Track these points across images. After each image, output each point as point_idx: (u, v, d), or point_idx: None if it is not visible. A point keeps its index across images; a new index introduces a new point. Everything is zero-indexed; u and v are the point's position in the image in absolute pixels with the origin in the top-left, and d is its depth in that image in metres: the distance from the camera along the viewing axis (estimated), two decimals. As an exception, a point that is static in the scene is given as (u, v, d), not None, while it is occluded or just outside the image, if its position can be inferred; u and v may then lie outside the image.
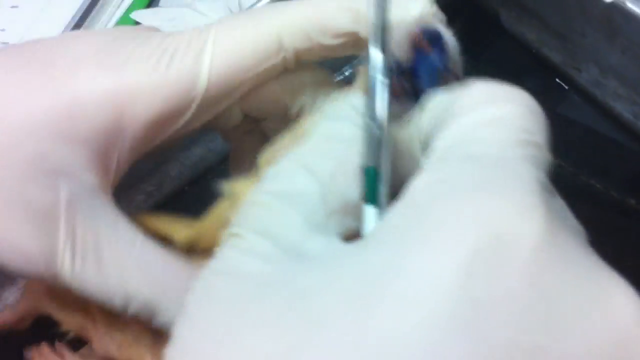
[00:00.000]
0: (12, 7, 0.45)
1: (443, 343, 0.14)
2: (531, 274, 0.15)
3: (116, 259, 0.24)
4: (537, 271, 0.15)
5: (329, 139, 0.22)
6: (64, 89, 0.24)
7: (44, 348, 0.33)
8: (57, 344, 0.33)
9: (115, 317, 0.30)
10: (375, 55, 0.21)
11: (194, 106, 0.25)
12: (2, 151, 0.23)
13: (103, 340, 0.31)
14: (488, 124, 0.18)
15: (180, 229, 0.27)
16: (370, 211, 0.20)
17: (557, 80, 0.42)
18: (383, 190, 0.20)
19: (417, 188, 0.17)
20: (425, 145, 0.21)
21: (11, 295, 0.41)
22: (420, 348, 0.14)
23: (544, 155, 0.18)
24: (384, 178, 0.20)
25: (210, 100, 0.25)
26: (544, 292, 0.14)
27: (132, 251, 0.24)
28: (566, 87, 0.42)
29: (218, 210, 0.26)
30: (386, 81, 0.21)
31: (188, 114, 0.25)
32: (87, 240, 0.23)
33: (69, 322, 0.32)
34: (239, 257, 0.18)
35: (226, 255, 0.19)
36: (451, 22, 0.25)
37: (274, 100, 0.28)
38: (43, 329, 0.33)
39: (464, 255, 0.14)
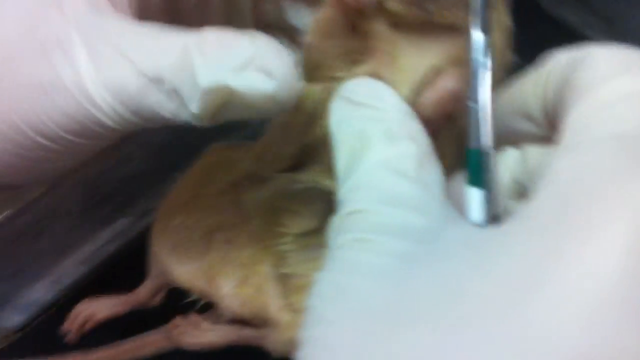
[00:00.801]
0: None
1: (613, 326, 0.13)
2: None
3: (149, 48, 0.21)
4: None
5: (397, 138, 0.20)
6: None
7: (178, 320, 0.34)
8: (190, 314, 0.34)
9: (234, 269, 0.31)
10: (477, 36, 0.21)
11: None
12: None
13: (226, 300, 0.31)
14: (626, 98, 0.17)
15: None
16: (476, 194, 0.20)
17: (601, 63, 0.42)
18: (490, 172, 0.20)
19: (561, 172, 0.17)
20: (550, 112, 0.20)
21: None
22: (590, 335, 0.13)
23: None
24: (491, 160, 0.20)
25: None
26: None
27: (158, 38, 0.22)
28: (611, 70, 0.41)
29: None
30: (488, 62, 0.20)
31: None
32: (109, 49, 0.21)
33: (194, 289, 0.32)
34: (368, 256, 0.17)
35: (350, 256, 0.18)
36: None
37: None
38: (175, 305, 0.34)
39: (625, 240, 0.14)
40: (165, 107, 0.22)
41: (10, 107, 0.22)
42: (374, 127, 0.21)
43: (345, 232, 0.18)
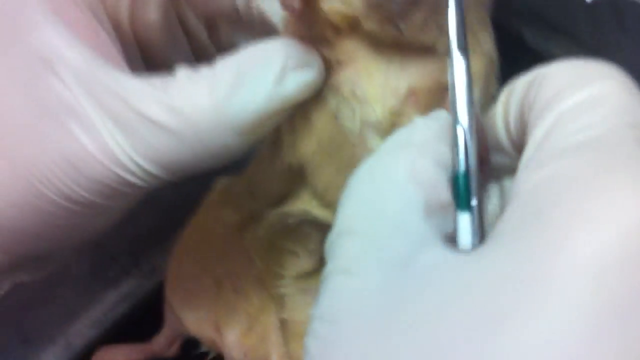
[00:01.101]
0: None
1: (593, 343, 0.13)
2: None
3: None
4: None
5: (396, 148, 0.21)
6: None
7: None
8: None
9: (241, 318, 0.31)
10: (458, 58, 0.21)
11: None
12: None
13: (231, 350, 0.31)
14: (588, 107, 0.17)
15: None
16: (464, 218, 0.20)
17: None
18: (475, 194, 0.20)
19: (529, 187, 0.16)
20: (515, 139, 0.20)
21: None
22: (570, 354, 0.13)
23: None
24: (475, 182, 0.20)
25: None
26: None
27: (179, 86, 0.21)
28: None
29: None
30: (468, 83, 0.21)
31: None
32: (121, 109, 0.21)
33: (203, 338, 0.33)
34: (351, 288, 0.17)
35: (336, 289, 0.18)
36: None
37: None
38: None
39: (602, 254, 0.14)
40: (206, 159, 0.22)
41: (30, 175, 0.21)
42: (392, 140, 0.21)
43: (332, 258, 0.18)
